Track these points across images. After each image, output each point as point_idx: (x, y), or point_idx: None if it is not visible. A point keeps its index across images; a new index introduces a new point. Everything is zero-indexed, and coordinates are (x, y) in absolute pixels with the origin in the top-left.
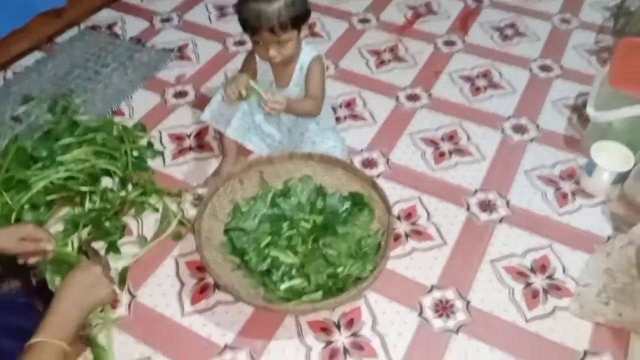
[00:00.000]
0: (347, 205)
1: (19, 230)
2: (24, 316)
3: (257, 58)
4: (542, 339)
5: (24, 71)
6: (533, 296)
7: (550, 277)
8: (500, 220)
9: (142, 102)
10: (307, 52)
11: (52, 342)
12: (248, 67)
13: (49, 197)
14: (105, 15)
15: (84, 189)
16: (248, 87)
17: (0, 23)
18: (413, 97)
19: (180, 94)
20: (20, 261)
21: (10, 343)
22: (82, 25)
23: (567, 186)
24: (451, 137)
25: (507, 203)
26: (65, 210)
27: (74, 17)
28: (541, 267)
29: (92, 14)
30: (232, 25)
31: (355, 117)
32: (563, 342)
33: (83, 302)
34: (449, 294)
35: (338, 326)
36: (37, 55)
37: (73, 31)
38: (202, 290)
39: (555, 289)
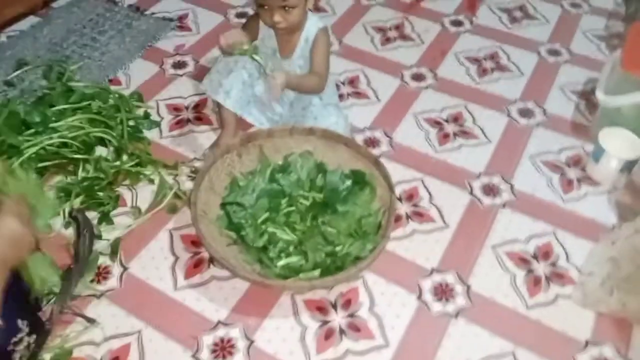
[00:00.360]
0: (348, 183)
1: None
2: None
3: (261, 23)
4: (543, 326)
5: (18, 36)
6: (535, 283)
7: (553, 264)
8: (504, 205)
9: (139, 71)
10: (314, 23)
11: None
12: (249, 29)
13: (41, 164)
14: None
15: (77, 156)
16: (244, 46)
17: None
18: (418, 77)
19: (179, 65)
20: None
21: None
22: None
23: (572, 173)
24: (456, 118)
25: (511, 188)
26: (57, 179)
27: None
28: (544, 253)
29: None
30: None
31: (358, 94)
32: (564, 330)
33: (4, 264)
34: (449, 278)
35: (335, 306)
36: (32, 20)
37: None
38: (196, 265)
39: (558, 276)
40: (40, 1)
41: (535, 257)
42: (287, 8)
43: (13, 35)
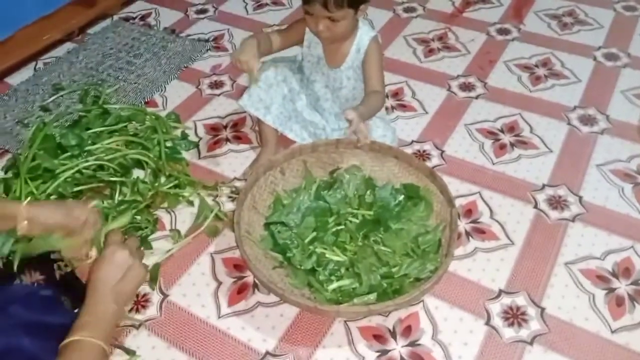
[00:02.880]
0: (400, 198)
1: (69, 207)
2: (48, 310)
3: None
4: (633, 353)
5: (54, 61)
6: (618, 304)
7: (636, 282)
8: (574, 219)
9: (176, 92)
10: (366, 32)
11: (92, 341)
12: (292, 32)
13: (76, 188)
14: (138, 7)
15: (114, 179)
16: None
17: (29, 8)
18: (467, 87)
19: (216, 85)
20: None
21: (32, 342)
22: (115, 17)
23: None
24: (512, 128)
25: (580, 200)
26: (94, 203)
27: (106, 8)
28: (624, 270)
29: (125, 6)
30: (269, 16)
31: (403, 107)
32: None
33: (119, 294)
34: (520, 300)
35: (393, 334)
36: (68, 46)
37: (105, 22)
38: (240, 290)
39: None
40: (76, 27)
41: (614, 274)
42: (333, 19)
43: (49, 61)
